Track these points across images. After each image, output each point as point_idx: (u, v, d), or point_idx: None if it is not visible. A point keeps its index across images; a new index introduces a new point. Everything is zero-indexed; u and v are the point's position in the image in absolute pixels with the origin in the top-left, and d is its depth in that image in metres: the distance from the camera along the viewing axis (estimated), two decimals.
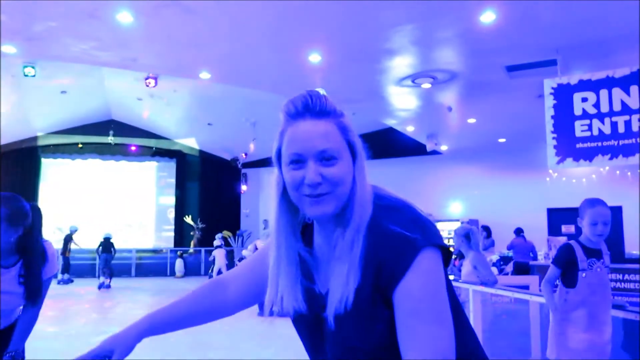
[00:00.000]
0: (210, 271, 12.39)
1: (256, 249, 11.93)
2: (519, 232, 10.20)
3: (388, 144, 13.48)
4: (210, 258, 12.74)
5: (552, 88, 5.94)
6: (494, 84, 8.28)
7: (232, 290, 1.22)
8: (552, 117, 5.86)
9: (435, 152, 13.33)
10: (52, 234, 14.02)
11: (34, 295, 2.22)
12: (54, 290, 10.54)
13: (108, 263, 12.17)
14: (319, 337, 1.04)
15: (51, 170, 16.87)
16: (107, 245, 12.37)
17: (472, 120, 10.88)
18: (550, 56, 6.77)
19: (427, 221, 0.95)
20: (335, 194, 0.95)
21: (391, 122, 11.33)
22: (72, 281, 12.80)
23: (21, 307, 2.26)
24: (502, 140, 12.88)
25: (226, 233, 16.14)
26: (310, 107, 0.97)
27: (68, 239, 12.78)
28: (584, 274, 2.90)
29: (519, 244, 9.93)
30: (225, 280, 1.24)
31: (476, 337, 1.08)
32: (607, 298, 2.95)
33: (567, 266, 2.95)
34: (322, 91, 1.00)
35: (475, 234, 4.71)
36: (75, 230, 12.90)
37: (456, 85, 8.44)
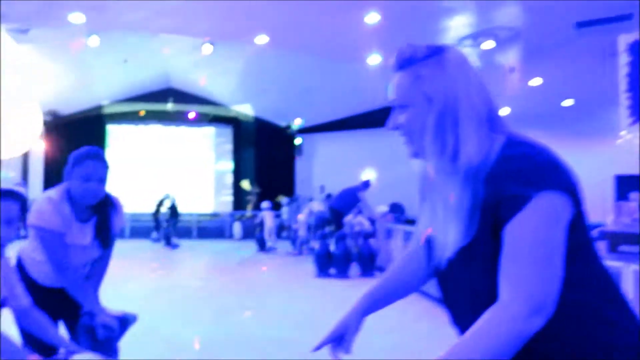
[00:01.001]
0: (257, 232, 12.85)
1: (311, 212, 12.14)
2: None
3: None
4: (257, 220, 13.12)
5: (628, 44, 5.55)
6: (560, 43, 7.82)
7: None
8: (627, 75, 5.50)
9: None
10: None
11: (107, 247, 2.38)
12: (137, 249, 11.19)
13: (174, 225, 13.02)
14: (445, 286, 1.07)
15: (116, 137, 17.68)
16: (173, 208, 13.20)
17: (535, 82, 10.38)
18: (625, 10, 6.30)
19: (559, 166, 0.93)
20: (411, 140, 1.02)
21: None
22: (178, 246, 12.92)
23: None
24: (567, 103, 12.23)
25: (281, 198, 16.46)
26: (395, 62, 1.06)
27: (160, 204, 13.65)
28: None
29: None
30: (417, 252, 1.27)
31: (624, 305, 1.00)
32: None
33: None
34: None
35: None
36: (167, 197, 13.67)
37: (519, 44, 8.04)
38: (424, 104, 1.00)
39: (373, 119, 15.60)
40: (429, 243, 1.08)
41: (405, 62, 1.03)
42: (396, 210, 11.91)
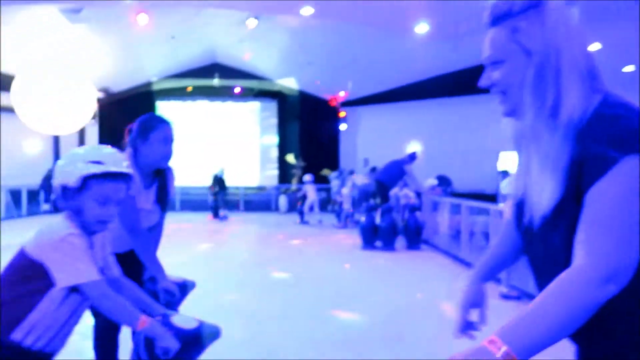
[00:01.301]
0: (299, 205, 13.05)
1: (354, 185, 12.16)
2: None
3: None
4: (300, 194, 13.27)
5: None
6: (620, 6, 7.36)
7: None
8: None
9: None
10: None
11: (164, 212, 2.52)
12: (186, 221, 11.67)
13: (223, 198, 13.61)
14: (529, 250, 1.07)
15: (166, 112, 18.15)
16: (221, 182, 13.63)
17: (594, 47, 9.84)
18: None
19: None
20: (507, 97, 1.00)
21: None
22: (226, 218, 13.46)
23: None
24: (628, 69, 11.56)
25: (326, 171, 16.51)
26: (489, 17, 1.02)
27: (217, 178, 14.08)
28: None
29: None
30: None
31: None
32: None
33: None
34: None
35: None
36: (220, 171, 14.19)
37: (577, 7, 7.61)
38: (523, 58, 0.97)
39: (419, 90, 15.29)
40: (519, 206, 1.07)
41: (501, 17, 0.99)
42: (443, 182, 11.72)
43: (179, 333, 1.48)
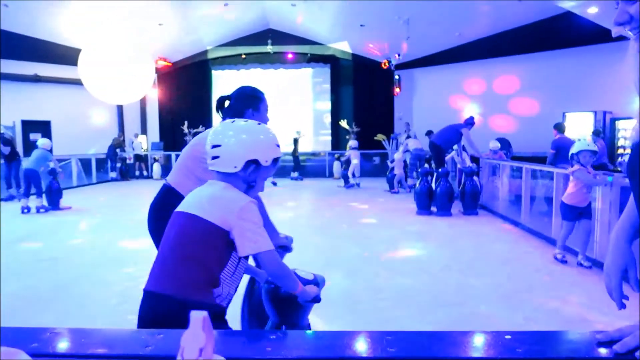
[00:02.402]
0: (343, 169, 13.13)
1: (407, 149, 12.02)
2: None
3: (561, 32, 11.96)
4: (344, 158, 13.28)
5: None
6: None
7: None
8: None
9: (623, 38, 11.49)
10: None
11: None
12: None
13: (296, 160, 15.16)
14: None
15: (221, 81, 18.45)
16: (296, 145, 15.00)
17: None
18: None
19: None
20: None
21: (568, 5, 9.93)
22: (276, 184, 13.62)
23: None
24: None
25: (380, 136, 16.38)
26: None
27: (295, 143, 15.08)
28: None
29: None
30: None
31: None
32: None
33: None
34: None
35: None
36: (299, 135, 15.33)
37: None
38: None
39: (476, 50, 14.69)
40: None
41: None
42: (504, 146, 11.33)
43: (304, 282, 1.80)
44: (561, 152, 8.26)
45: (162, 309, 1.50)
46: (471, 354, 0.89)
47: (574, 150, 4.76)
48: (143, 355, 0.90)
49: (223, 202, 1.57)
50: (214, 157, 1.62)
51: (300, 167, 15.53)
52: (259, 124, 1.69)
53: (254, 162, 1.60)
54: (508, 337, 0.90)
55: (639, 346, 0.77)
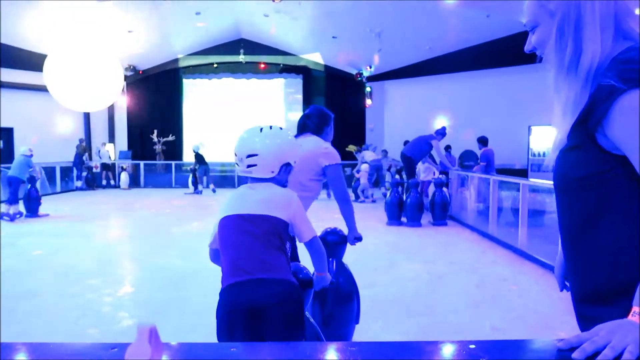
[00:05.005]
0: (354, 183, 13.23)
1: (364, 161, 12.29)
2: None
3: None
4: (357, 175, 13.39)
5: None
6: None
7: None
8: None
9: None
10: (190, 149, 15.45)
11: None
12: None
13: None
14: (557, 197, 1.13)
15: (192, 89, 18.27)
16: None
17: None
18: None
19: None
20: (545, 58, 1.07)
21: None
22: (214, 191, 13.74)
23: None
24: None
25: (351, 147, 16.46)
26: None
27: None
28: None
29: None
30: None
31: None
32: None
33: None
34: None
35: None
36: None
37: None
38: (550, 20, 1.04)
39: (447, 63, 14.98)
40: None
41: None
42: (470, 159, 11.56)
43: (309, 277, 2.15)
44: (490, 163, 8.71)
45: (276, 289, 1.73)
46: None
47: None
48: None
49: (281, 199, 1.82)
50: (250, 165, 1.85)
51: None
52: (281, 128, 1.94)
53: (286, 165, 1.89)
54: (472, 346, 0.89)
55: (597, 352, 0.78)
